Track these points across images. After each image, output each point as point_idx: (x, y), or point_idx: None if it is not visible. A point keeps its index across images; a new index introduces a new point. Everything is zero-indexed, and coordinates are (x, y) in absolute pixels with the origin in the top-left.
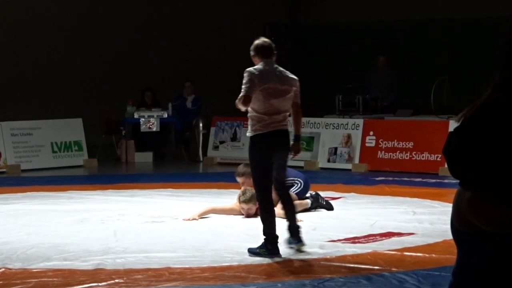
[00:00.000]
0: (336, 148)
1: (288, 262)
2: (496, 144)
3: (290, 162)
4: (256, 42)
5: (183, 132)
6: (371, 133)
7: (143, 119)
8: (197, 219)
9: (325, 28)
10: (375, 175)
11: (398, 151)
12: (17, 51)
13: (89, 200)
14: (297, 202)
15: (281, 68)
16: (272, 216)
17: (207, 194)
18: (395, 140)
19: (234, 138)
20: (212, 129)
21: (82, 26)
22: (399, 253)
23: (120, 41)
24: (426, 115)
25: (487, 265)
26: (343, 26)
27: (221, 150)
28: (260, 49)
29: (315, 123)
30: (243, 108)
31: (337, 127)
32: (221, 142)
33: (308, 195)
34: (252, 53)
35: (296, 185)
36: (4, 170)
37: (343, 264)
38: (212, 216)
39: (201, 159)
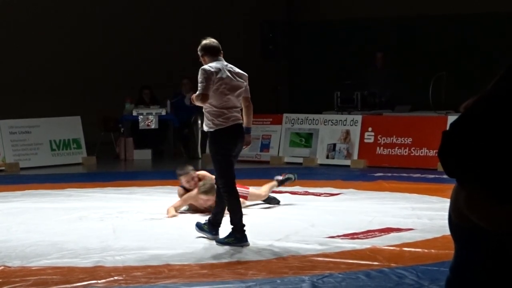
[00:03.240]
0: (334, 145)
1: (287, 258)
2: (495, 136)
3: (289, 159)
4: (204, 42)
5: (182, 129)
6: (370, 129)
7: (141, 117)
8: (177, 215)
9: (322, 25)
10: (373, 171)
11: (397, 147)
12: (16, 50)
13: (88, 198)
14: (268, 185)
15: (230, 65)
16: (239, 205)
17: None
18: (394, 136)
19: None
20: None
21: (80, 24)
22: (398, 248)
23: (119, 39)
24: (424, 111)
25: (485, 260)
26: (340, 23)
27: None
28: (208, 49)
29: (313, 119)
30: (201, 105)
31: (335, 124)
32: None
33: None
34: (200, 53)
35: None
36: (3, 168)
37: (342, 260)
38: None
39: (200, 156)
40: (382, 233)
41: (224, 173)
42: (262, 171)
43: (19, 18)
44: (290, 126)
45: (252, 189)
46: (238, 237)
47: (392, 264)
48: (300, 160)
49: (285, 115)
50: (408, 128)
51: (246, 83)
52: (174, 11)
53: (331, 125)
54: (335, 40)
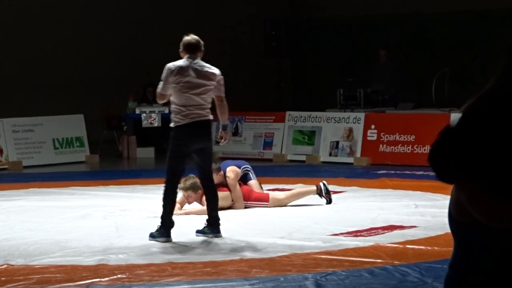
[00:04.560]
0: (337, 142)
1: (290, 256)
2: (495, 133)
3: (292, 157)
4: (185, 38)
5: None
6: (373, 126)
7: (144, 115)
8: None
9: (325, 23)
10: (376, 168)
11: (400, 145)
12: (19, 48)
13: (91, 196)
14: (304, 189)
15: (202, 64)
16: (170, 203)
17: None
18: (397, 134)
19: (235, 132)
20: (214, 124)
21: (84, 21)
22: (401, 246)
23: (122, 36)
24: (427, 108)
25: (485, 257)
26: (344, 20)
27: (222, 145)
28: (186, 45)
29: (316, 117)
30: (160, 102)
31: (338, 121)
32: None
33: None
34: (180, 48)
35: (249, 173)
36: (6, 166)
37: (346, 258)
38: None
39: None
40: (386, 231)
41: (170, 170)
42: (265, 169)
43: (21, 15)
44: (293, 123)
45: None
46: (162, 231)
47: (396, 262)
48: (303, 158)
49: (288, 112)
50: (411, 126)
51: (214, 82)
52: (178, 8)
53: (334, 122)
54: (338, 37)
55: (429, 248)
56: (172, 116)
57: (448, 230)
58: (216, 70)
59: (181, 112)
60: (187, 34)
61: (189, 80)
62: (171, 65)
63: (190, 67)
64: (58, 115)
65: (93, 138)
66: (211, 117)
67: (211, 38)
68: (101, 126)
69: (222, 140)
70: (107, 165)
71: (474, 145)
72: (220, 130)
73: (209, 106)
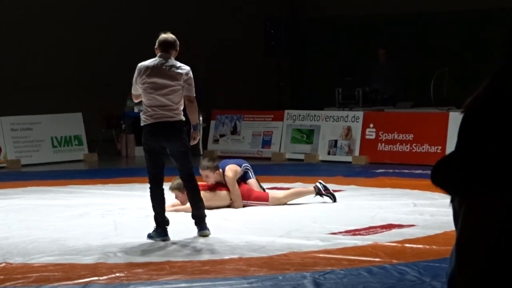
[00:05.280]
0: (336, 141)
1: (288, 255)
2: (499, 136)
3: (291, 155)
4: (161, 35)
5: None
6: (371, 125)
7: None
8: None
9: (324, 22)
10: (375, 167)
11: (398, 143)
12: (17, 46)
13: (89, 195)
14: (303, 189)
15: (172, 63)
16: (159, 203)
17: None
18: (395, 132)
19: (234, 131)
20: (212, 123)
21: (82, 20)
22: (399, 245)
23: (121, 36)
24: (426, 107)
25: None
26: (343, 20)
27: (221, 144)
28: (161, 43)
29: (315, 115)
30: (136, 101)
31: (337, 120)
32: (221, 136)
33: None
34: (155, 45)
35: (248, 172)
36: (4, 165)
37: (344, 257)
38: (211, 210)
39: (202, 152)
40: (384, 230)
41: (148, 170)
42: (263, 168)
43: (19, 14)
44: (292, 122)
45: (273, 193)
46: (159, 231)
47: (394, 261)
48: (302, 157)
49: (286, 111)
50: (410, 125)
51: (181, 82)
52: (177, 7)
53: (333, 121)
54: (337, 37)
55: (427, 247)
56: (141, 115)
57: (447, 229)
58: (184, 70)
59: (147, 112)
60: (165, 32)
61: (154, 80)
62: (139, 65)
63: (156, 67)
64: (56, 113)
65: (91, 136)
66: (181, 118)
67: (211, 37)
68: (99, 124)
69: (192, 141)
70: (105, 163)
71: (481, 150)
72: (191, 130)
73: (179, 106)
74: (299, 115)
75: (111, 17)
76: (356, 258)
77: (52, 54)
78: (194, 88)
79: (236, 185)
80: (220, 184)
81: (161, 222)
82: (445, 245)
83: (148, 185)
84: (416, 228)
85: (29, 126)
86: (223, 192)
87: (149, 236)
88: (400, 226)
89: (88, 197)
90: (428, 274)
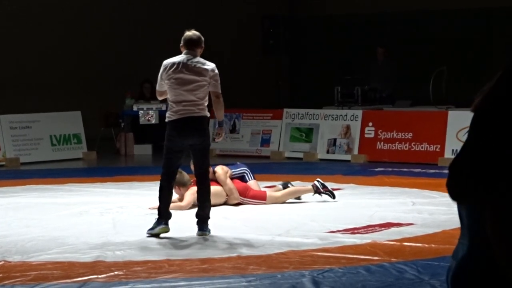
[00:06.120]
0: (335, 139)
1: (287, 253)
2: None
3: (290, 154)
4: (186, 33)
5: None
6: (370, 124)
7: (142, 112)
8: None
9: (323, 20)
10: (374, 166)
11: (397, 142)
12: (17, 45)
13: (88, 193)
14: (301, 188)
15: (197, 60)
16: (166, 197)
17: None
18: (394, 131)
19: (233, 130)
20: (211, 121)
21: (81, 19)
22: (398, 243)
23: (119, 34)
24: (425, 105)
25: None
26: (341, 18)
27: (220, 142)
28: (187, 41)
29: (314, 114)
30: (160, 98)
31: (336, 118)
32: None
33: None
34: (181, 43)
35: (245, 174)
36: (3, 163)
37: (343, 255)
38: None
39: None
40: (383, 228)
41: (163, 165)
42: (262, 166)
43: (18, 13)
44: (291, 121)
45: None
46: (160, 221)
47: (393, 259)
48: (301, 155)
49: (285, 110)
50: (409, 123)
51: (207, 78)
52: (176, 5)
53: (332, 120)
54: (336, 35)
55: (426, 245)
56: (167, 111)
57: (445, 227)
58: (210, 66)
59: (172, 108)
60: (189, 30)
61: (180, 76)
62: (165, 61)
63: (182, 63)
64: (55, 111)
65: (90, 135)
66: (206, 114)
67: (210, 36)
68: (98, 123)
69: (218, 137)
70: (104, 162)
71: (494, 151)
72: (216, 126)
73: (204, 102)
74: (298, 114)
75: (111, 17)
76: (354, 256)
77: (51, 52)
78: (220, 85)
79: (228, 178)
80: (214, 181)
81: (164, 213)
82: (444, 244)
83: (159, 182)
84: (414, 227)
85: (28, 124)
86: (217, 188)
87: (150, 229)
88: (398, 224)
89: (87, 195)
90: (427, 272)
